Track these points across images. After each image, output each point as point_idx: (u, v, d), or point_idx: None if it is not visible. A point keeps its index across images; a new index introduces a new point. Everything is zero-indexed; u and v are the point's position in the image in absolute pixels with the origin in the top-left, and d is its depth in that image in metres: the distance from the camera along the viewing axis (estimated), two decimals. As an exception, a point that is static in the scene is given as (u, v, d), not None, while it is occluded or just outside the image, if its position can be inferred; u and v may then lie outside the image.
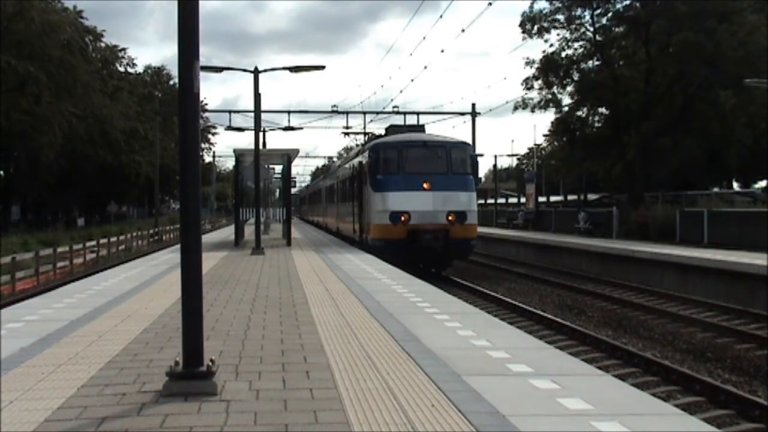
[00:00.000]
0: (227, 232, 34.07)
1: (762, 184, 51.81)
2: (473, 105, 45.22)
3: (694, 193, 39.49)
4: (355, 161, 27.01)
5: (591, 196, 50.24)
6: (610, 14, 35.17)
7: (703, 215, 25.66)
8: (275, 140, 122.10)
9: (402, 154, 22.60)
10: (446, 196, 21.85)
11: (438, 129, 68.72)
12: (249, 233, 27.21)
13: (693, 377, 10.50)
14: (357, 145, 52.16)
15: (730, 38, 30.07)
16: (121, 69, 65.62)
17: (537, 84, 36.33)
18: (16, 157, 47.14)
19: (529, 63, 36.39)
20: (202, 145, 76.08)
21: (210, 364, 5.12)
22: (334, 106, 45.47)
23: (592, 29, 35.56)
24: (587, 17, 35.52)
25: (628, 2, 35.09)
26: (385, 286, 11.72)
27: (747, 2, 32.46)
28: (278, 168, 34.38)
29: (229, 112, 47.25)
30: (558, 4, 35.20)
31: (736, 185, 56.38)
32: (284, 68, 22.89)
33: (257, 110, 22.22)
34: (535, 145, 70.73)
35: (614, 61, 36.13)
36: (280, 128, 42.86)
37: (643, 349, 12.87)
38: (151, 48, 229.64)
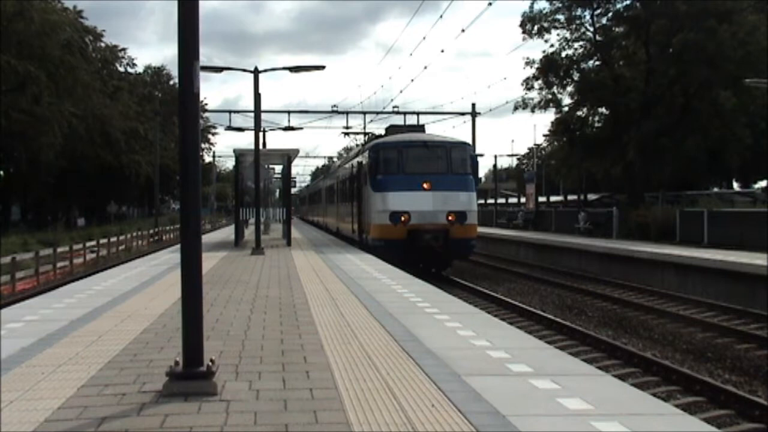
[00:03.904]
0: (227, 232, 34.08)
1: (762, 184, 51.83)
2: (473, 105, 45.30)
3: (694, 193, 39.51)
4: (355, 161, 27.00)
5: (591, 196, 50.28)
6: (610, 14, 35.19)
7: (703, 215, 25.65)
8: (275, 140, 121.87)
9: (402, 154, 22.59)
10: (446, 196, 21.83)
11: (438, 129, 68.80)
12: (249, 233, 27.20)
13: (693, 377, 10.50)
14: (357, 145, 52.14)
15: (730, 38, 30.07)
16: (121, 69, 65.66)
17: (537, 84, 36.36)
18: (16, 157, 47.12)
19: (529, 63, 36.43)
20: (202, 145, 76.10)
21: (210, 364, 5.12)
22: (334, 106, 45.56)
23: (592, 29, 35.58)
24: (587, 17, 35.57)
25: (628, 2, 35.15)
26: (385, 286, 11.72)
27: (747, 2, 32.46)
28: (278, 168, 34.37)
29: (229, 112, 47.25)
30: (558, 4, 35.22)
31: (736, 185, 56.37)
32: (284, 68, 22.89)
33: (257, 110, 22.22)
34: (535, 145, 70.66)
35: (614, 61, 36.13)
36: (280, 128, 42.93)
37: (643, 349, 12.87)
38: (151, 48, 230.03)
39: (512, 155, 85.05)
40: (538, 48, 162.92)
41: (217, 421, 4.43)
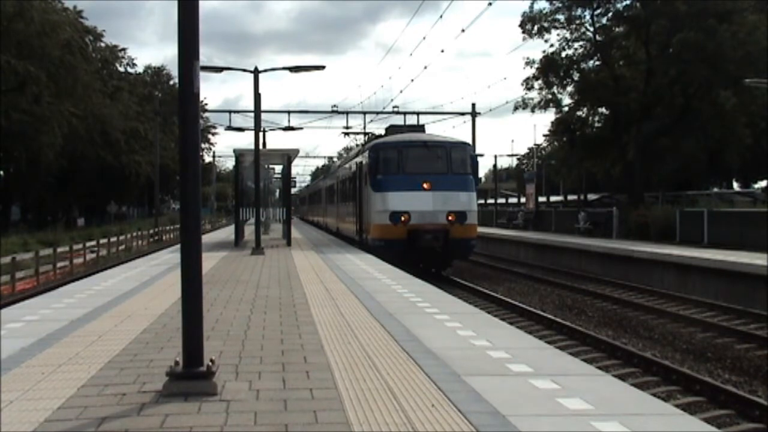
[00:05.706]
0: (227, 232, 34.07)
1: (762, 184, 51.90)
2: (473, 105, 45.25)
3: (694, 193, 39.51)
4: (355, 161, 27.00)
5: (591, 196, 50.26)
6: (610, 14, 35.17)
7: (703, 215, 25.65)
8: (275, 140, 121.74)
9: (402, 154, 22.60)
10: (446, 196, 21.83)
11: (438, 129, 68.75)
12: (249, 233, 27.20)
13: (693, 377, 10.50)
14: (357, 145, 52.16)
15: (730, 38, 30.07)
16: (121, 69, 65.67)
17: (537, 84, 36.34)
18: (16, 157, 47.12)
19: (529, 63, 36.40)
20: (202, 145, 76.11)
21: (210, 364, 5.12)
22: (334, 106, 45.48)
23: (592, 29, 35.56)
24: (587, 17, 35.55)
25: (628, 2, 35.13)
26: (385, 286, 11.72)
27: (747, 2, 32.46)
28: (278, 168, 34.38)
29: (229, 112, 47.14)
30: (558, 4, 35.20)
31: (736, 185, 56.39)
32: (284, 68, 22.90)
33: (257, 110, 22.22)
34: (535, 145, 70.62)
35: (614, 61, 36.11)
36: (280, 128, 42.86)
37: (643, 349, 12.86)
38: (151, 48, 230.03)
39: (512, 155, 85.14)
40: (538, 48, 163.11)
41: (217, 421, 4.43)
